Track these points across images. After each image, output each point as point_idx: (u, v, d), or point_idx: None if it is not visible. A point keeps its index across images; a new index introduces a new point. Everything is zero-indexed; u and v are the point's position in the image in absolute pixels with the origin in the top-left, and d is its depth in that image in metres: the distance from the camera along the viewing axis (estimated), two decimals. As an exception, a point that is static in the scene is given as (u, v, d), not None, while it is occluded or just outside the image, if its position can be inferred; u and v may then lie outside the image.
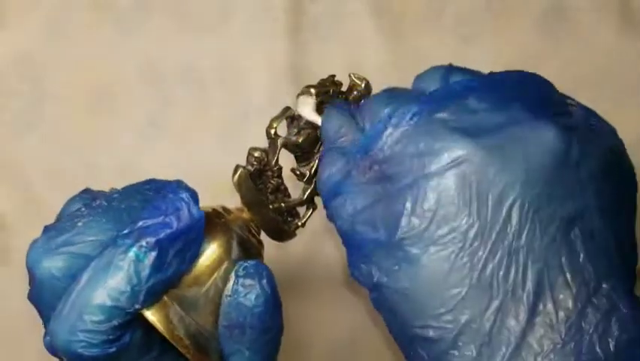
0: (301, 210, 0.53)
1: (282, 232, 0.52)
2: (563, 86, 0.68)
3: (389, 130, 0.44)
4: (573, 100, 0.47)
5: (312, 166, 0.51)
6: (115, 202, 0.48)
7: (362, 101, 0.50)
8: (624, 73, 0.68)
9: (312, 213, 0.53)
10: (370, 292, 0.45)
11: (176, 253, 0.46)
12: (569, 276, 0.42)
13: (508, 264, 0.42)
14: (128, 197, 0.48)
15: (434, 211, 0.43)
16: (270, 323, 0.48)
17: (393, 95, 0.47)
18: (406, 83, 0.67)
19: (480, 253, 0.42)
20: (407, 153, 0.44)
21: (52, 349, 0.46)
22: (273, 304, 0.48)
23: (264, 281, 0.47)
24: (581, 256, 0.42)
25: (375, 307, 0.45)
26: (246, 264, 0.48)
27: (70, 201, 0.49)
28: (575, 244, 0.42)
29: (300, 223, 0.52)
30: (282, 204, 0.52)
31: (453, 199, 0.42)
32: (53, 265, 0.46)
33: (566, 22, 0.68)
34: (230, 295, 0.47)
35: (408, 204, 0.43)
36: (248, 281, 0.47)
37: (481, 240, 0.42)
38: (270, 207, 0.51)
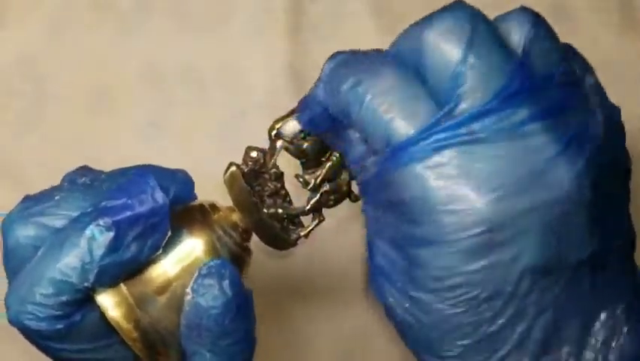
0: (306, 219, 0.50)
1: (279, 239, 0.50)
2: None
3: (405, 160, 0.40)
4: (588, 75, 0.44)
5: (319, 175, 0.48)
6: (97, 182, 0.48)
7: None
8: (624, 73, 0.68)
9: (317, 224, 0.50)
10: (384, 306, 0.44)
11: (136, 237, 0.45)
12: (577, 321, 0.41)
13: (516, 320, 0.41)
14: (111, 179, 0.48)
15: (445, 276, 0.40)
16: (231, 327, 0.46)
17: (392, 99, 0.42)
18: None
19: (489, 313, 0.41)
20: (420, 198, 0.40)
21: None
22: (233, 309, 0.46)
23: (225, 283, 0.46)
24: (590, 296, 0.42)
25: (387, 317, 0.44)
26: (211, 263, 0.47)
27: (66, 175, 0.49)
28: (584, 286, 0.41)
29: (302, 234, 0.50)
30: (280, 211, 0.49)
31: (466, 266, 0.40)
32: (23, 233, 0.46)
33: (566, 22, 0.68)
34: (189, 294, 0.46)
35: (423, 260, 0.41)
36: (207, 281, 0.46)
37: (491, 301, 0.40)
38: (265, 211, 0.49)
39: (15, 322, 0.46)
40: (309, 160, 0.49)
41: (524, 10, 0.43)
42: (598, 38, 0.68)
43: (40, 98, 0.67)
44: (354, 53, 0.44)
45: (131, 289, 0.46)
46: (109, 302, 0.46)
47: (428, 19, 0.41)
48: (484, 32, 0.40)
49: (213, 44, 0.67)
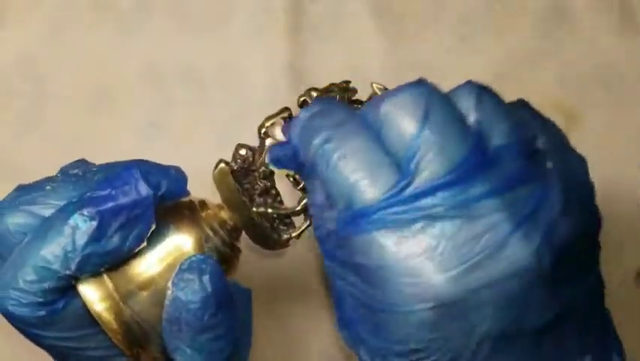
0: (298, 220, 0.50)
1: (269, 239, 0.49)
2: (563, 86, 0.69)
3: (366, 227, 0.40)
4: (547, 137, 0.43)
5: None
6: (89, 174, 0.48)
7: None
8: (624, 73, 0.68)
9: (309, 225, 0.49)
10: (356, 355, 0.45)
11: (119, 227, 0.46)
12: None
13: None
14: (102, 171, 0.48)
15: (408, 340, 0.41)
16: (211, 322, 0.46)
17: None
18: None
19: None
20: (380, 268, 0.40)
21: None
22: (213, 303, 0.46)
23: (205, 278, 0.46)
24: (554, 356, 0.42)
25: None
26: (192, 258, 0.47)
27: (62, 167, 0.50)
28: (547, 347, 0.42)
29: (293, 235, 0.50)
30: (270, 210, 0.49)
31: (426, 334, 0.40)
32: (12, 220, 0.47)
33: (566, 22, 0.68)
34: (169, 288, 0.47)
35: (385, 323, 0.41)
36: (187, 275, 0.46)
37: None
38: (255, 210, 0.49)
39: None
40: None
41: (469, 83, 0.43)
42: (598, 38, 0.68)
43: (40, 98, 0.67)
44: (329, 105, 0.44)
45: (114, 282, 0.47)
46: (91, 293, 0.46)
47: (389, 94, 0.42)
48: (440, 108, 0.41)
49: (213, 44, 0.67)
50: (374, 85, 0.50)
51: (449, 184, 0.40)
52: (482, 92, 0.42)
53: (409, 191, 0.40)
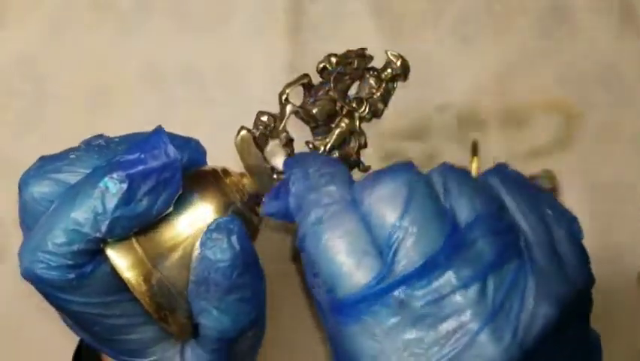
0: None
1: None
2: (563, 86, 0.69)
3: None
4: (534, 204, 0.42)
5: (328, 142, 0.48)
6: (113, 144, 0.48)
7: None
8: (624, 73, 0.68)
9: None
10: None
11: (149, 191, 0.46)
12: None
13: None
14: (125, 142, 0.48)
15: None
16: (238, 281, 0.47)
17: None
18: (406, 83, 0.67)
19: None
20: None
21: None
22: (241, 263, 0.47)
23: (234, 237, 0.47)
24: None
25: None
26: (219, 219, 0.47)
27: (83, 140, 0.50)
28: None
29: None
30: None
31: None
32: (38, 189, 0.47)
33: (566, 22, 0.68)
34: (198, 249, 0.47)
35: None
36: (215, 235, 0.47)
37: None
38: (275, 177, 0.49)
39: (27, 272, 0.46)
40: (319, 126, 0.49)
41: (442, 165, 0.43)
42: (597, 39, 0.68)
43: (40, 98, 0.67)
44: (325, 179, 0.43)
45: (142, 246, 0.47)
46: (120, 257, 0.46)
47: (371, 181, 0.41)
48: (420, 197, 0.41)
49: (213, 44, 0.67)
50: (389, 52, 0.50)
51: (424, 274, 0.40)
52: (449, 172, 0.42)
53: (386, 282, 0.40)
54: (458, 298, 0.39)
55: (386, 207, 0.41)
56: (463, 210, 0.41)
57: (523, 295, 0.39)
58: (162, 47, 0.67)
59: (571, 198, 0.65)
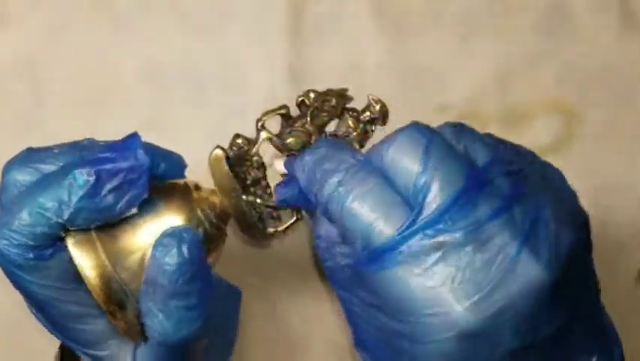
0: (287, 215, 0.52)
1: (255, 229, 0.51)
2: (563, 86, 0.68)
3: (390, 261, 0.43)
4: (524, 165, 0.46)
5: None
6: (96, 146, 0.51)
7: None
8: (624, 73, 0.68)
9: (294, 222, 0.51)
10: None
11: (113, 188, 0.48)
12: None
13: None
14: (109, 146, 0.51)
15: None
16: (184, 288, 0.48)
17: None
18: (406, 83, 0.67)
19: None
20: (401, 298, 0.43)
21: None
22: (188, 271, 0.48)
23: (184, 246, 0.49)
24: (560, 357, 0.44)
25: None
26: (175, 227, 0.49)
27: (73, 141, 0.53)
28: (556, 352, 0.44)
29: (280, 229, 0.51)
30: (258, 200, 0.51)
31: (448, 359, 0.43)
32: (20, 176, 0.50)
33: (566, 22, 0.68)
34: (151, 252, 0.49)
35: (406, 352, 0.44)
36: (167, 240, 0.49)
37: None
38: (245, 198, 0.50)
39: None
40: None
41: (445, 124, 0.47)
42: (598, 39, 0.68)
43: (40, 98, 0.67)
44: (335, 150, 0.47)
45: (103, 241, 0.49)
46: (77, 246, 0.49)
47: (390, 140, 0.45)
48: (437, 144, 0.44)
49: (213, 44, 0.67)
50: (370, 96, 0.51)
51: (456, 209, 0.42)
52: (461, 126, 0.46)
53: (421, 222, 0.43)
54: (493, 225, 0.42)
55: (408, 156, 0.44)
56: (478, 155, 0.45)
57: (546, 221, 0.43)
58: (162, 47, 0.67)
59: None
